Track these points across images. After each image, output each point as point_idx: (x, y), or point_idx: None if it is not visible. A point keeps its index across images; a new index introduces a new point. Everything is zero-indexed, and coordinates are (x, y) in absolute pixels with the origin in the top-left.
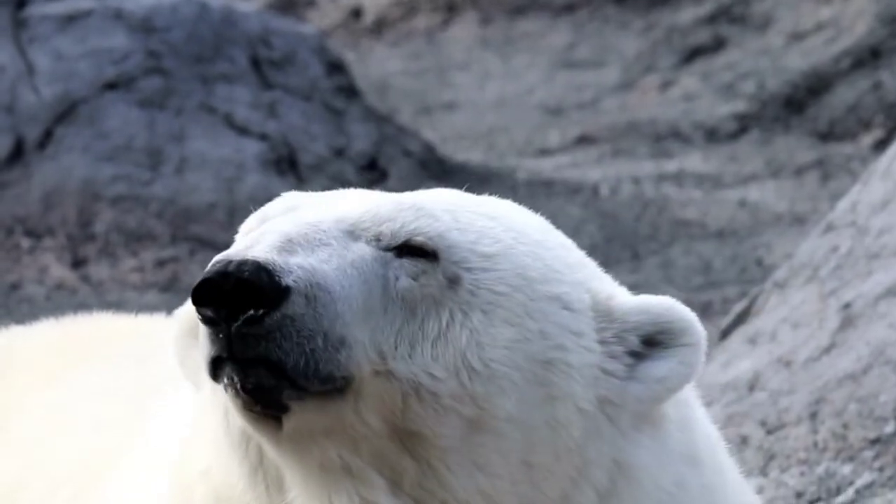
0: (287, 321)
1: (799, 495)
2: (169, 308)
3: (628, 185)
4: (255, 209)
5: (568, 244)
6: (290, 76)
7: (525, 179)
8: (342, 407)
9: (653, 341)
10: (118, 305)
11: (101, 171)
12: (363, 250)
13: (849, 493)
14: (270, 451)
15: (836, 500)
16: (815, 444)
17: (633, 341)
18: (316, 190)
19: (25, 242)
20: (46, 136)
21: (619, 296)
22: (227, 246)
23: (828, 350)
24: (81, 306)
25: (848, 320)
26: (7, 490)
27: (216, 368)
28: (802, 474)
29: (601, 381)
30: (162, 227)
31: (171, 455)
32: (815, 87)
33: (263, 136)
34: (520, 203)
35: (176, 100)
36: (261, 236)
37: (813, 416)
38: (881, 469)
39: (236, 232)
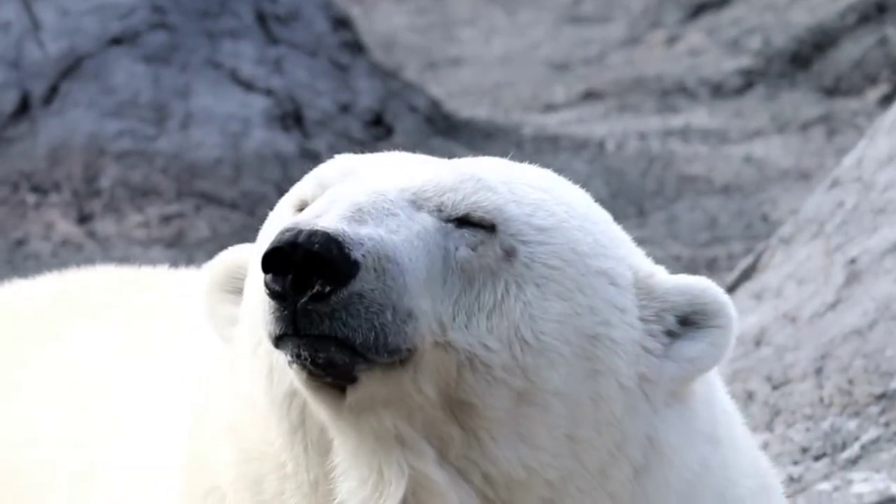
0: (355, 298)
1: (804, 450)
2: (174, 264)
3: (634, 140)
4: (261, 165)
5: (608, 217)
6: (295, 32)
7: (531, 135)
8: (402, 377)
9: (686, 321)
10: (124, 261)
11: (107, 127)
12: (426, 221)
13: (854, 448)
14: (327, 419)
15: (842, 456)
16: (821, 400)
17: (671, 321)
18: (321, 146)
19: (31, 198)
20: (52, 92)
21: (658, 274)
22: (232, 201)
23: (833, 306)
24: (87, 262)
25: (853, 276)
26: (11, 451)
27: (279, 340)
28: (808, 430)
29: (642, 358)
30: (167, 182)
31: (185, 418)
32: (820, 42)
33: (269, 92)
34: (526, 159)
35: (181, 55)
36: (330, 204)
37: (818, 371)
38: (887, 424)
39: (242, 188)
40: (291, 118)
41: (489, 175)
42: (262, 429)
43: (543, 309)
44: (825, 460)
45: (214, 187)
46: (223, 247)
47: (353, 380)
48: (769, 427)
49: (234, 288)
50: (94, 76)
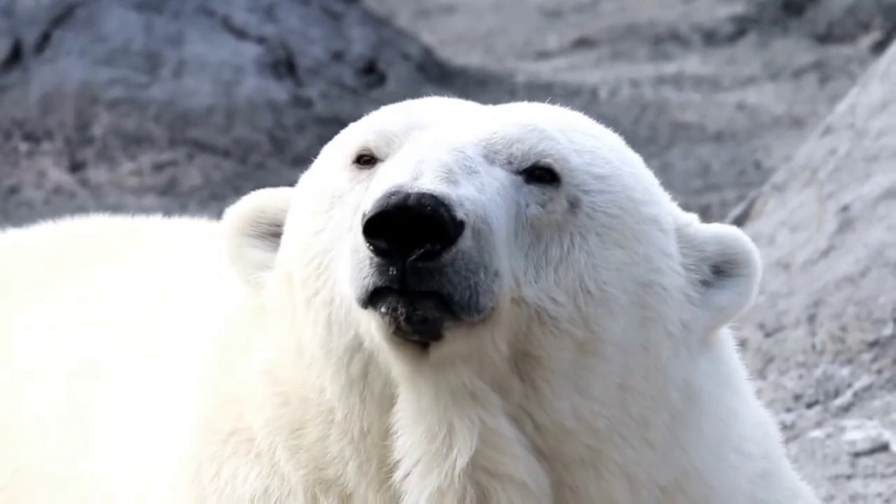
0: (459, 256)
1: (797, 398)
2: (167, 212)
3: (627, 87)
4: (253, 113)
5: (641, 160)
6: None
7: (523, 82)
8: (483, 334)
9: (716, 270)
10: (116, 209)
11: (99, 75)
12: (501, 176)
13: (847, 395)
14: (404, 375)
15: (835, 403)
16: (814, 347)
17: (706, 270)
18: (313, 94)
19: (23, 146)
20: (44, 40)
21: (694, 223)
22: (224, 149)
23: (826, 253)
24: (79, 210)
25: (846, 223)
26: (8, 395)
27: (374, 297)
28: (801, 377)
29: (685, 306)
30: (160, 130)
31: (202, 362)
32: None
33: (261, 40)
34: None
35: (174, 3)
36: (419, 164)
37: (811, 318)
38: (879, 371)
39: (234, 135)
40: (284, 66)
41: (546, 124)
42: (307, 376)
43: (605, 258)
44: (818, 407)
45: (207, 135)
46: (216, 194)
47: (439, 337)
48: (762, 374)
49: (259, 232)
50: (86, 24)
